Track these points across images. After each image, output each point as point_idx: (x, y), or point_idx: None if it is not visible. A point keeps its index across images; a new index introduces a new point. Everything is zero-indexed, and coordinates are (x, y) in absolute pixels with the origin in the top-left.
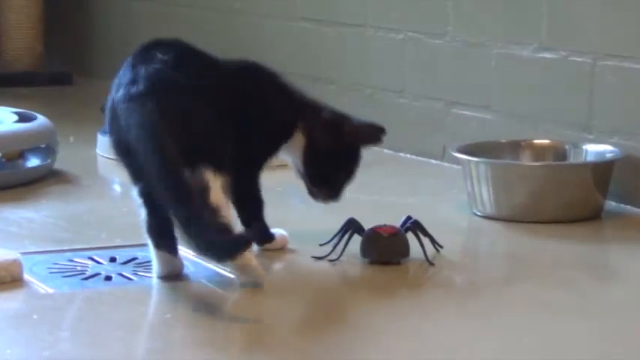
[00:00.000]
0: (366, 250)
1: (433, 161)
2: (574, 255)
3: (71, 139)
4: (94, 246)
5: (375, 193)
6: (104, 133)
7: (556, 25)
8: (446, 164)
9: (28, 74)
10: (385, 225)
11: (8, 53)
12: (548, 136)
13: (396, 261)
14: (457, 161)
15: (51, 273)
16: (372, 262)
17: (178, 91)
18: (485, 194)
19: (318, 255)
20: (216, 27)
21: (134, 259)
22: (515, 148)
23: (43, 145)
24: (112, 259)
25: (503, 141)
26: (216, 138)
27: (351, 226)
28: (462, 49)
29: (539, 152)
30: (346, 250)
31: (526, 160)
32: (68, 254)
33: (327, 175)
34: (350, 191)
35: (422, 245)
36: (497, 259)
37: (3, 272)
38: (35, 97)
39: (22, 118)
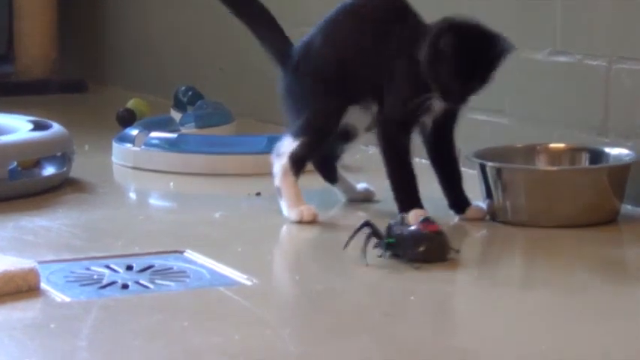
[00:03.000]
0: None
1: None
2: (591, 259)
3: (86, 147)
4: (110, 254)
5: (391, 199)
6: (119, 140)
7: (570, 28)
8: (461, 169)
9: (42, 82)
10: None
11: (22, 61)
12: (563, 139)
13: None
14: (472, 166)
15: (68, 282)
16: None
17: None
18: (502, 199)
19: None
20: (228, 38)
21: (151, 266)
22: (530, 152)
23: (58, 154)
24: (129, 267)
25: (519, 145)
26: None
27: (366, 226)
28: None
29: (554, 156)
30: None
31: (542, 165)
32: (85, 263)
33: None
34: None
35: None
36: (514, 264)
37: (20, 281)
38: (50, 105)
39: (38, 127)
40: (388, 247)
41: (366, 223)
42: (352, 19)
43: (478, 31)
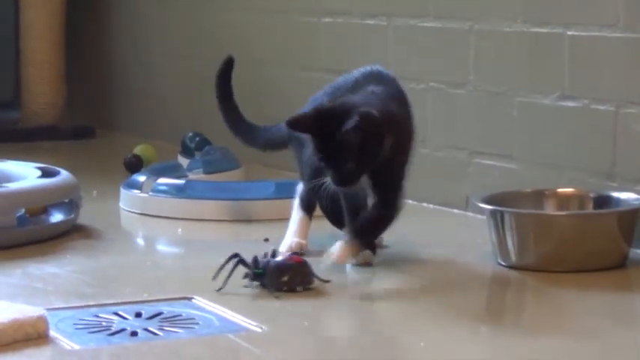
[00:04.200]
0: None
1: (456, 211)
2: (600, 304)
3: (94, 193)
4: (119, 301)
5: (399, 244)
6: (126, 186)
7: (578, 73)
8: (469, 214)
9: (50, 128)
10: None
11: (30, 108)
12: (572, 184)
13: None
14: (481, 211)
15: (77, 329)
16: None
17: None
18: (510, 244)
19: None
20: (234, 84)
21: (160, 313)
22: (539, 197)
23: (66, 200)
24: (138, 314)
25: (527, 190)
26: None
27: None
28: (484, 98)
29: (563, 201)
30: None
31: (550, 210)
32: (93, 310)
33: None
34: None
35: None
36: (522, 309)
37: (29, 329)
38: (57, 151)
39: (46, 173)
40: (256, 277)
41: (235, 255)
42: (333, 89)
43: (331, 114)
